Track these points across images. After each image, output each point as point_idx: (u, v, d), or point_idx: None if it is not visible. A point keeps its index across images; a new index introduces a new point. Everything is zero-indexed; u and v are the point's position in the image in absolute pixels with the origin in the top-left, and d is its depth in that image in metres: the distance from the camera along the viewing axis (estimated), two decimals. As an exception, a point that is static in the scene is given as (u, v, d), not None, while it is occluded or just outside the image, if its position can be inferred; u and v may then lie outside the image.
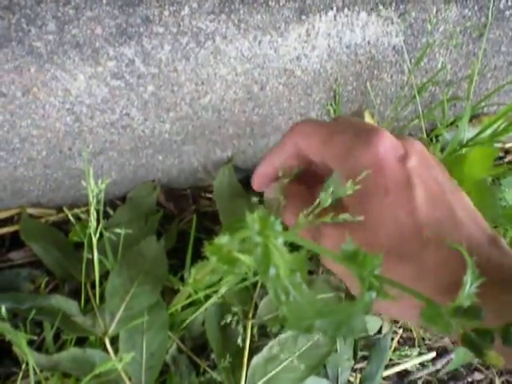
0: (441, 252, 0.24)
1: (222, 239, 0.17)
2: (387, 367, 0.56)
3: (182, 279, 0.47)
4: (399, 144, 0.28)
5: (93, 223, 0.41)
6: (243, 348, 0.45)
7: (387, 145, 0.27)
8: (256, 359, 0.45)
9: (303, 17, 0.44)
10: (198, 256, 0.19)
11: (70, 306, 0.42)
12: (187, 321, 0.46)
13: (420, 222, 0.25)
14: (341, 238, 0.27)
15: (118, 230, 0.44)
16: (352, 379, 0.53)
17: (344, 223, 0.26)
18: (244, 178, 0.57)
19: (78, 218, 0.51)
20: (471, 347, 0.16)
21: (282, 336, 0.46)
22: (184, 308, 0.46)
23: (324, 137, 0.29)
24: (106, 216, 0.52)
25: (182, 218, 0.57)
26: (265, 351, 0.45)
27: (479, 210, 0.28)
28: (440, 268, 0.24)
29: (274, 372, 0.45)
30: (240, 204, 0.51)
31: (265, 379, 0.44)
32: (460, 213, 0.26)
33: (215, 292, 0.44)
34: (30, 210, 0.52)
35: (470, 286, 0.16)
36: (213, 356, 0.49)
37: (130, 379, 0.41)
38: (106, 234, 0.44)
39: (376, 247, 0.25)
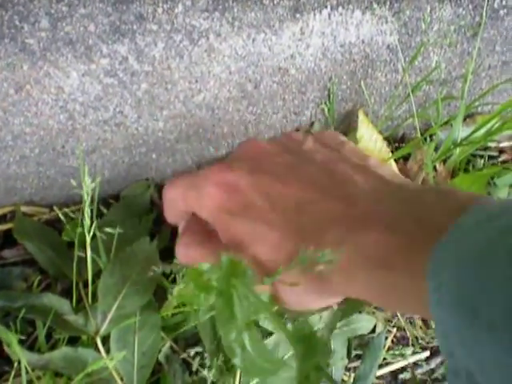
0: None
1: (203, 266, 0.16)
2: (381, 366, 0.56)
3: (174, 280, 0.47)
4: (225, 172, 0.27)
5: (87, 221, 0.40)
6: (237, 347, 0.45)
7: (216, 180, 0.27)
8: (249, 358, 0.45)
9: (297, 15, 0.44)
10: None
11: (62, 304, 0.42)
12: (180, 325, 0.46)
13: (278, 225, 0.24)
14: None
15: (109, 230, 0.44)
16: (346, 378, 0.53)
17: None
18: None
19: (70, 218, 0.51)
20: None
21: (277, 334, 0.46)
22: (175, 314, 0.46)
23: (181, 196, 0.29)
24: (100, 214, 0.52)
25: (176, 216, 0.57)
26: (258, 350, 0.45)
27: None
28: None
29: (267, 371, 0.44)
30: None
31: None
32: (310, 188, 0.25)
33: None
34: (23, 208, 0.52)
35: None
36: (206, 355, 0.48)
37: (121, 379, 0.41)
38: (99, 233, 0.44)
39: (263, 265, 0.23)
